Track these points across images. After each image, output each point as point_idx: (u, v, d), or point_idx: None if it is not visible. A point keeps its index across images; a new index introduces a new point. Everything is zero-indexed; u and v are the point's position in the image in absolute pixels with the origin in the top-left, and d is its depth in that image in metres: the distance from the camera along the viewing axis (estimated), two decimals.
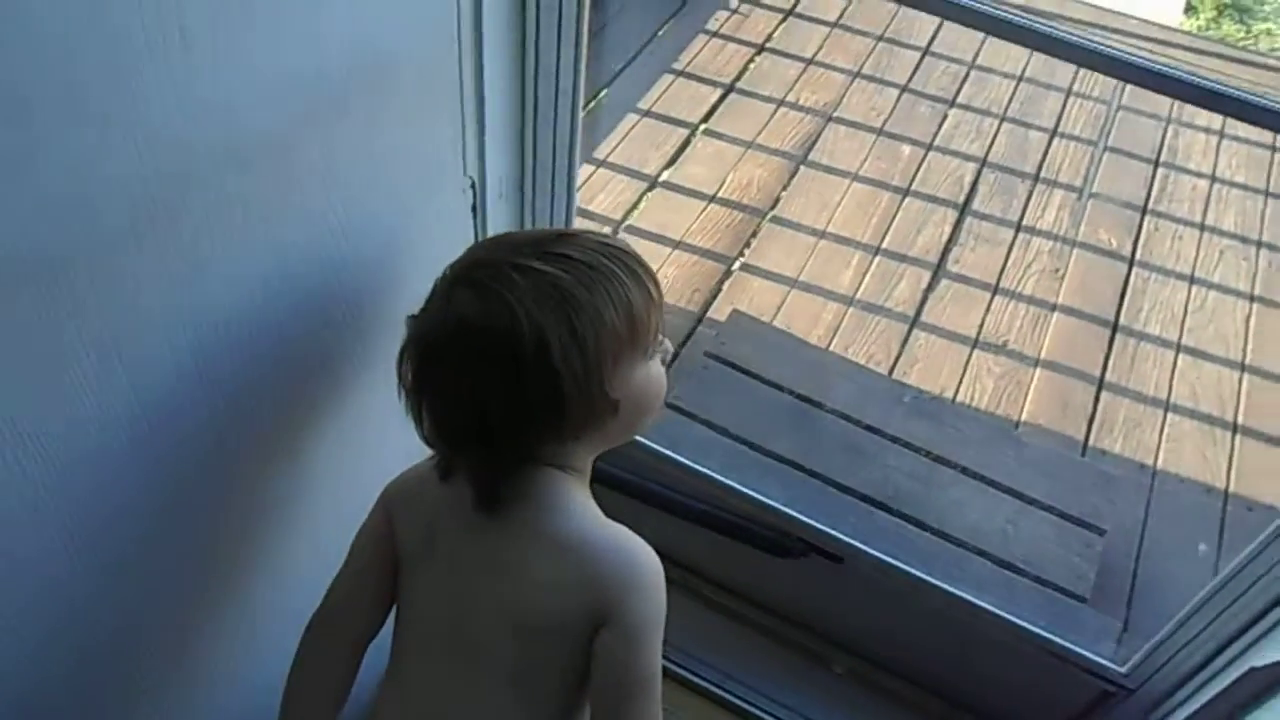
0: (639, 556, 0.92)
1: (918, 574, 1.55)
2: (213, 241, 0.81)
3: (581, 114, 1.27)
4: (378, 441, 1.16)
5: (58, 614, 0.83)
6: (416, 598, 0.96)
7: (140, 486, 0.85)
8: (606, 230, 2.84)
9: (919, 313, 2.76)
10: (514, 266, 0.85)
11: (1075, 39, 1.31)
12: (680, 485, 1.64)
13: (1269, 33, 4.42)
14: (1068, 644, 1.50)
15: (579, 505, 0.93)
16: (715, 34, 3.54)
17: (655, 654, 0.91)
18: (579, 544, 0.91)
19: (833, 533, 1.57)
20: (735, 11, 3.63)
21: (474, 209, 1.13)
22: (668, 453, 1.63)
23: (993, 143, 3.27)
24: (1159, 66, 1.18)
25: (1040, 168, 3.22)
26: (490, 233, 1.29)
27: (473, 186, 1.11)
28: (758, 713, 1.63)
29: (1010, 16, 1.32)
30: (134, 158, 0.70)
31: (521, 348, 0.83)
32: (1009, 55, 3.59)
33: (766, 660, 1.77)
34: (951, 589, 1.53)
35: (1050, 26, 1.27)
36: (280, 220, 0.88)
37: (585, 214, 2.88)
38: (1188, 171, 3.24)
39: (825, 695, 1.72)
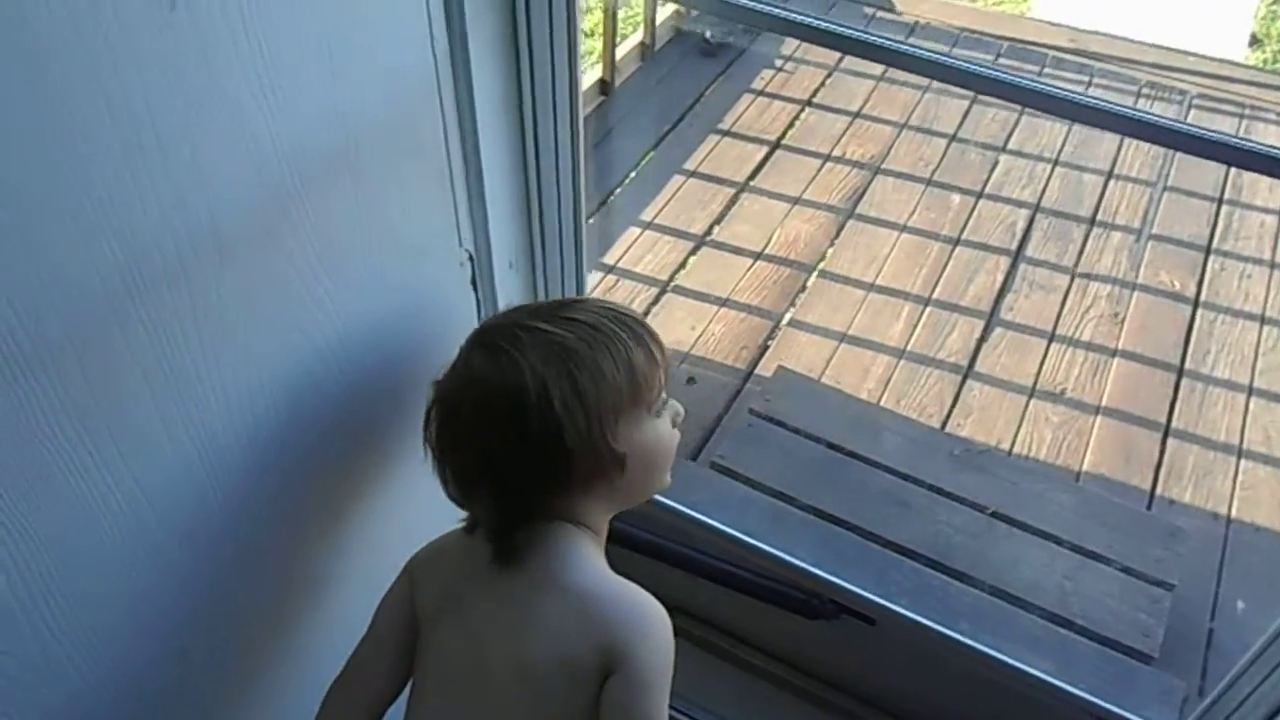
0: (647, 607, 0.94)
1: (951, 634, 1.50)
2: (199, 331, 0.84)
3: (584, 178, 1.30)
4: (389, 514, 1.18)
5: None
6: (433, 647, 0.99)
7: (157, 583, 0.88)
8: (651, 290, 2.86)
9: (972, 363, 2.71)
10: (523, 328, 0.93)
11: (1111, 107, 1.25)
12: (708, 547, 1.63)
13: None
14: (1114, 708, 1.43)
15: (588, 559, 0.97)
16: (761, 93, 3.58)
17: (662, 703, 0.92)
18: (588, 594, 0.94)
19: (864, 594, 1.53)
20: (780, 69, 3.66)
21: (473, 282, 1.15)
22: (694, 514, 1.62)
23: (1045, 187, 3.22)
24: (1202, 132, 1.12)
25: (1096, 211, 3.16)
26: (501, 303, 1.31)
27: (471, 259, 1.14)
28: None
29: (1046, 88, 1.26)
30: (109, 255, 0.74)
31: (525, 398, 0.89)
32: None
33: None
34: (984, 649, 1.48)
35: (1086, 98, 1.22)
36: (267, 307, 0.91)
37: (631, 275, 2.92)
38: (1254, 208, 3.14)
39: None
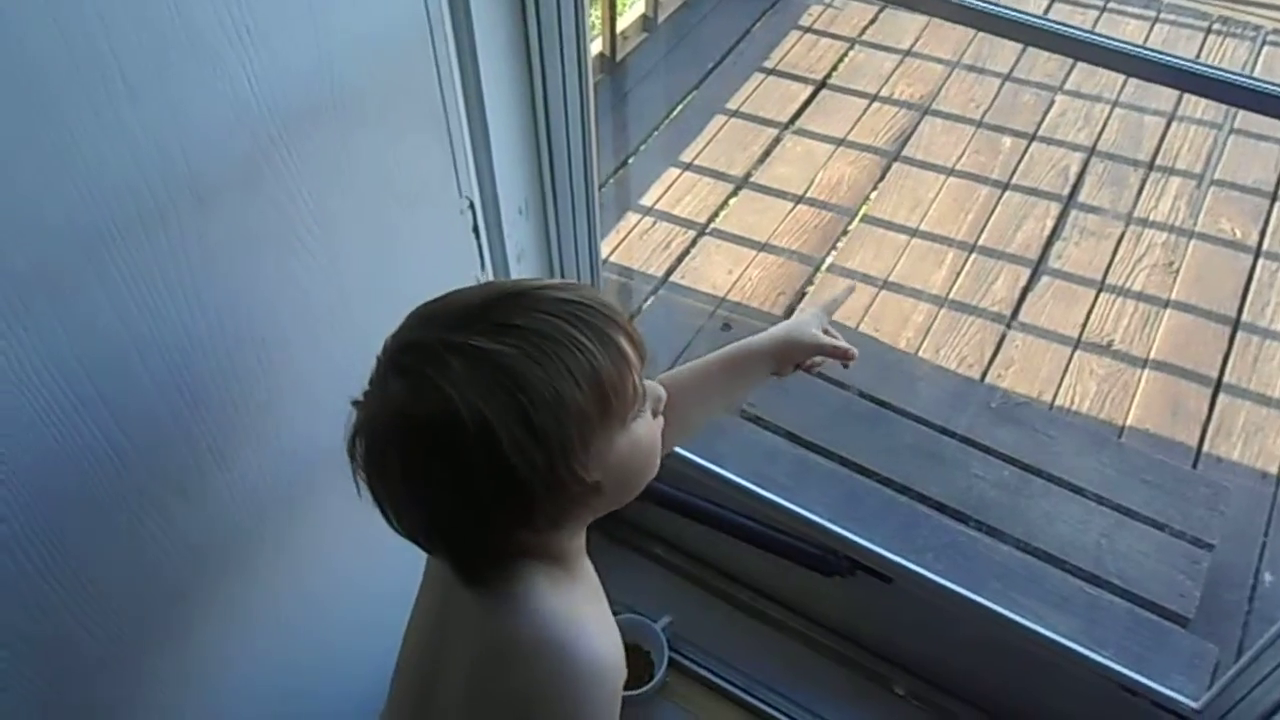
0: (574, 666, 0.80)
1: (968, 594, 1.47)
2: (181, 279, 0.83)
3: (595, 133, 1.26)
4: None
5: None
6: (409, 633, 0.95)
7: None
8: (689, 232, 2.81)
9: (1016, 312, 2.63)
10: (449, 346, 0.73)
11: (1165, 59, 1.15)
12: (726, 500, 1.61)
13: None
14: (1139, 676, 1.39)
15: (542, 600, 0.82)
16: (809, 29, 3.46)
17: None
18: (521, 640, 0.81)
19: (882, 551, 1.51)
20: (830, 5, 3.54)
21: (475, 230, 1.12)
22: (713, 468, 1.60)
23: (1103, 130, 3.09)
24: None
25: (1156, 154, 3.02)
26: (511, 251, 1.29)
27: (471, 207, 1.11)
28: None
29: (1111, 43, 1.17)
30: (77, 195, 0.73)
31: (465, 442, 0.72)
32: (1124, 33, 3.39)
33: (826, 679, 1.72)
34: (1001, 609, 1.45)
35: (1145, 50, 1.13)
36: (254, 256, 0.89)
37: (668, 217, 2.87)
38: None
39: (885, 716, 1.65)
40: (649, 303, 2.68)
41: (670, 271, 2.74)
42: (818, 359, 1.12)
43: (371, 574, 1.10)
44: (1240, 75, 1.00)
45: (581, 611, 0.84)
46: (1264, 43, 3.34)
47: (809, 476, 2.08)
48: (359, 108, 0.92)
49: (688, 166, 3.02)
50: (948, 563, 1.85)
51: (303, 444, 1.04)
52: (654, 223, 2.86)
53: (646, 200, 2.92)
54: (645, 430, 0.83)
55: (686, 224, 2.86)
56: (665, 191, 2.94)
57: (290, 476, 1.05)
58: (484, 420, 0.71)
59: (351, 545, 1.14)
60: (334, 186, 0.94)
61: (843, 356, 1.11)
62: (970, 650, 1.57)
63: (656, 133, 3.14)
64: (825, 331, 1.13)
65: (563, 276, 1.41)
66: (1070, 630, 1.62)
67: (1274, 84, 1.06)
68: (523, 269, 1.33)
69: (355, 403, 0.79)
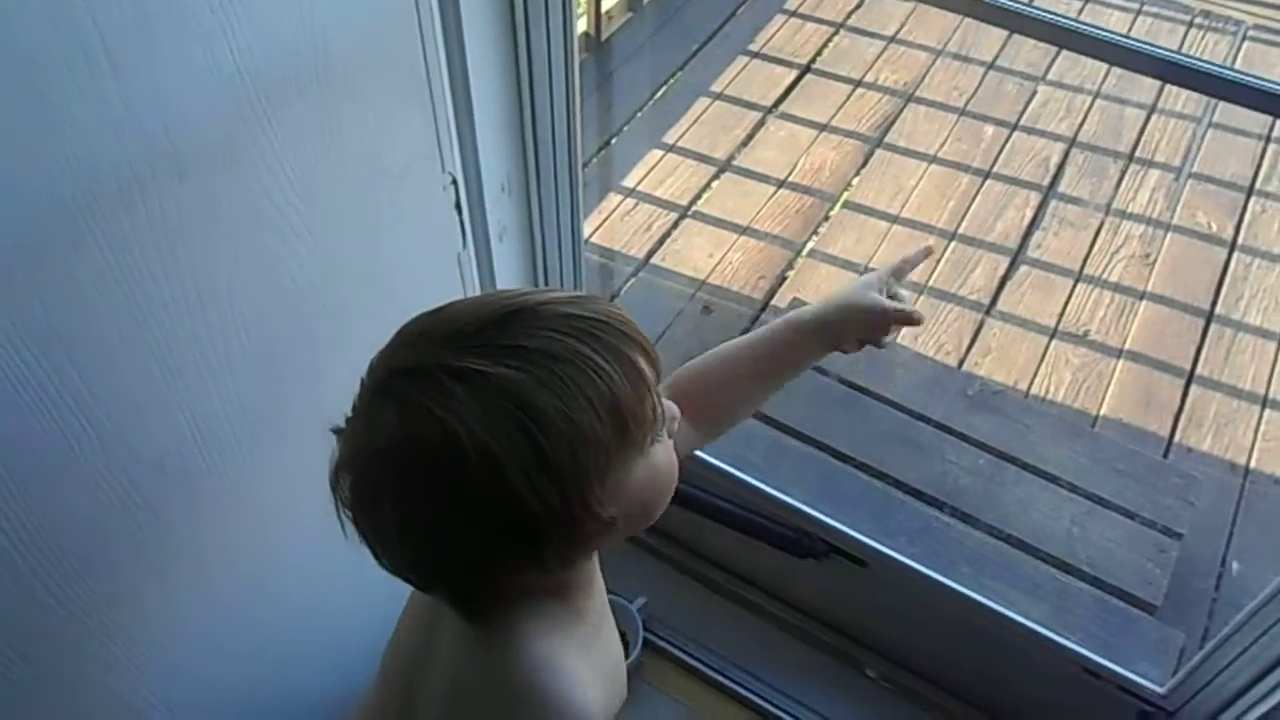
0: (548, 716, 0.75)
1: (941, 579, 1.49)
2: (161, 253, 0.82)
3: (579, 112, 1.25)
4: None
5: None
6: (401, 622, 0.91)
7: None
8: (671, 214, 2.81)
9: (994, 300, 2.65)
10: (448, 371, 0.65)
11: (1148, 49, 1.15)
12: (702, 482, 1.61)
13: None
14: (1106, 661, 1.41)
15: (529, 645, 0.76)
16: (794, 13, 3.46)
17: None
18: (502, 684, 0.77)
19: (857, 535, 1.52)
20: None
21: (457, 206, 1.12)
22: None
23: (1084, 120, 3.11)
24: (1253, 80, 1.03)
25: (1136, 146, 3.04)
26: (492, 232, 1.28)
27: (454, 183, 1.10)
28: (779, 713, 1.60)
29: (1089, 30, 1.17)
30: (60, 172, 0.72)
31: (470, 480, 0.65)
32: (1108, 24, 3.40)
33: (799, 661, 1.74)
34: (973, 594, 1.47)
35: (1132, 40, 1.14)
36: (235, 230, 0.89)
37: (650, 199, 2.86)
38: None
39: (856, 698, 1.67)
40: (630, 284, 2.68)
41: (651, 253, 2.74)
42: (885, 333, 0.99)
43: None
44: (1221, 67, 1.01)
45: (573, 661, 0.77)
46: (1244, 37, 3.36)
47: (785, 460, 2.09)
48: (343, 80, 0.91)
49: (671, 148, 3.02)
50: (921, 547, 1.87)
51: (280, 415, 1.04)
52: (636, 204, 2.86)
53: (629, 181, 2.91)
54: (664, 455, 0.76)
55: (668, 206, 2.86)
56: (648, 173, 2.94)
57: (270, 446, 1.05)
58: (491, 455, 0.64)
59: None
60: (316, 160, 0.93)
61: (911, 322, 0.98)
62: (941, 634, 1.59)
63: (640, 113, 3.13)
64: (891, 296, 0.99)
65: (544, 252, 1.40)
66: (1040, 616, 1.65)
67: (1253, 77, 1.07)
68: (505, 248, 1.33)
69: (337, 431, 0.71)
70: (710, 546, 1.76)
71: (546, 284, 1.44)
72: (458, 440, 0.64)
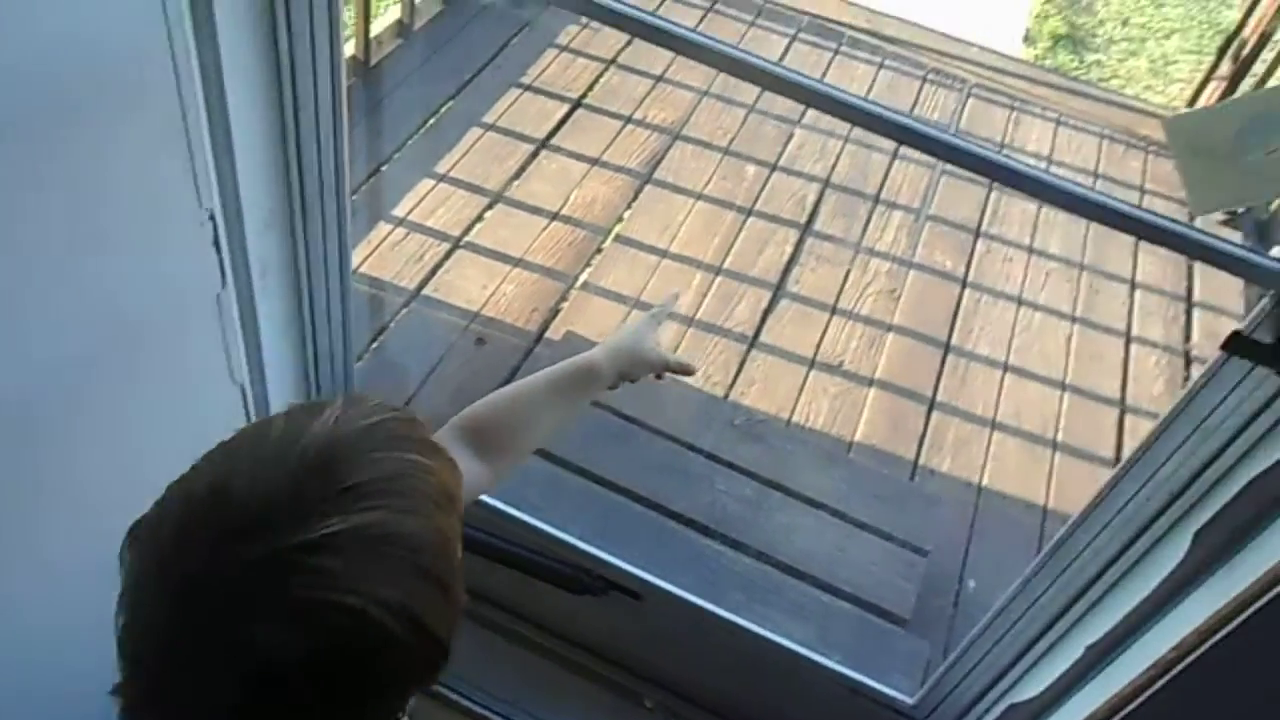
0: None
1: (712, 608, 1.53)
2: None
3: (347, 140, 1.21)
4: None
5: None
6: None
7: None
8: (443, 245, 2.76)
9: (758, 333, 2.77)
10: (307, 547, 0.57)
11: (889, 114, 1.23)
12: (478, 522, 1.58)
13: (1099, 64, 4.62)
14: (860, 676, 1.50)
15: None
16: (565, 48, 3.50)
17: None
18: None
19: (631, 569, 1.54)
20: (586, 25, 3.59)
21: (215, 243, 1.05)
22: None
23: (836, 163, 3.32)
24: (988, 153, 1.13)
25: (881, 189, 3.28)
26: (254, 269, 1.21)
27: (212, 219, 1.03)
28: None
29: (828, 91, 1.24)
30: None
31: (386, 643, 0.59)
32: (854, 75, 3.66)
33: (580, 697, 1.73)
34: (742, 622, 1.52)
35: (866, 103, 1.21)
36: None
37: (421, 229, 2.81)
38: (1018, 195, 3.34)
39: None
40: (401, 315, 2.61)
41: (423, 284, 2.68)
42: (660, 378, 1.12)
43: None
44: (944, 131, 1.09)
45: None
46: (969, 95, 3.70)
47: (563, 496, 2.09)
48: (83, 103, 0.83)
49: (442, 178, 2.97)
50: (694, 576, 1.91)
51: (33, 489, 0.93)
52: (407, 234, 2.79)
53: (399, 210, 2.84)
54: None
55: (440, 236, 2.81)
56: (419, 202, 2.88)
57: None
58: (404, 608, 0.59)
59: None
60: (56, 190, 0.84)
61: (686, 372, 1.13)
62: (715, 662, 1.63)
63: (411, 142, 3.06)
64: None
65: (310, 288, 1.34)
66: (806, 637, 1.72)
67: (972, 141, 1.17)
68: (267, 285, 1.25)
69: (117, 692, 0.58)
70: (490, 588, 1.72)
71: (312, 321, 1.37)
72: (365, 615, 0.57)
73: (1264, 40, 3.64)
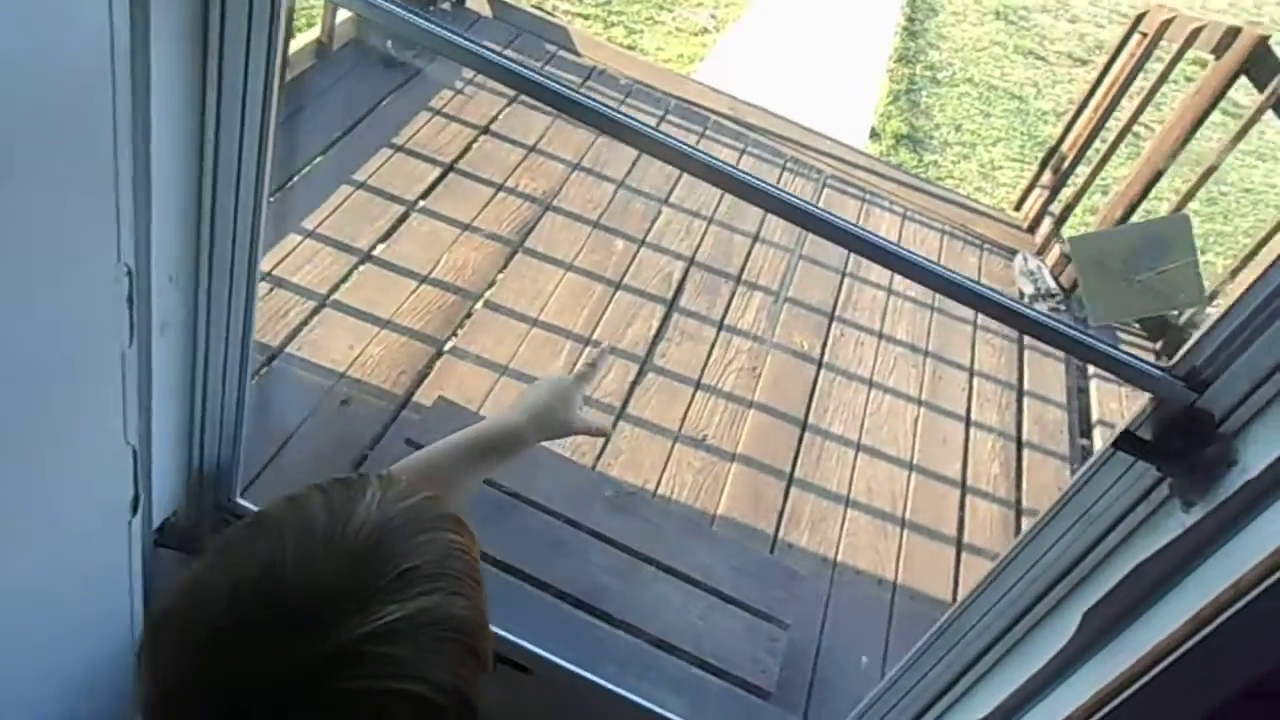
0: None
1: (601, 682, 1.53)
2: None
3: (266, 199, 1.18)
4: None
5: None
6: None
7: None
8: (309, 303, 2.69)
9: (625, 404, 2.81)
10: (370, 637, 0.57)
11: (773, 190, 1.30)
12: None
13: (936, 164, 4.98)
14: None
15: None
16: (439, 112, 3.51)
17: None
18: None
19: (520, 642, 1.52)
20: (460, 92, 3.62)
21: (130, 299, 1.00)
22: None
23: (700, 242, 3.44)
24: (836, 219, 1.20)
25: (743, 270, 3.41)
26: (155, 324, 1.16)
27: (129, 274, 0.99)
28: None
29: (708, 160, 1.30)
30: None
31: None
32: (721, 158, 3.80)
33: None
34: (633, 697, 1.52)
35: (747, 175, 1.28)
36: None
37: (287, 285, 2.73)
38: (869, 283, 3.55)
39: None
40: (263, 373, 2.52)
41: (286, 343, 2.60)
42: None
43: None
44: (812, 205, 1.17)
45: None
46: (824, 185, 3.92)
47: None
48: (18, 151, 0.79)
49: (310, 234, 2.90)
50: (572, 650, 1.90)
51: None
52: (271, 289, 2.70)
53: (264, 264, 2.72)
54: None
55: (306, 294, 2.74)
56: (285, 257, 2.80)
57: None
58: (454, 688, 0.60)
59: None
60: None
61: (601, 434, 1.15)
62: None
63: (276, 197, 2.98)
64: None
65: (208, 348, 1.29)
66: (681, 710, 1.73)
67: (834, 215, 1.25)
68: (164, 343, 1.20)
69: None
70: None
71: (205, 383, 1.32)
72: (425, 701, 0.58)
73: (1080, 155, 4.02)
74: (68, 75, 0.84)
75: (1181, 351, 0.95)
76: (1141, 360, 1.00)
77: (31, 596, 1.10)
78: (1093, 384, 3.49)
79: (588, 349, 2.91)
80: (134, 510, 1.22)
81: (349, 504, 0.62)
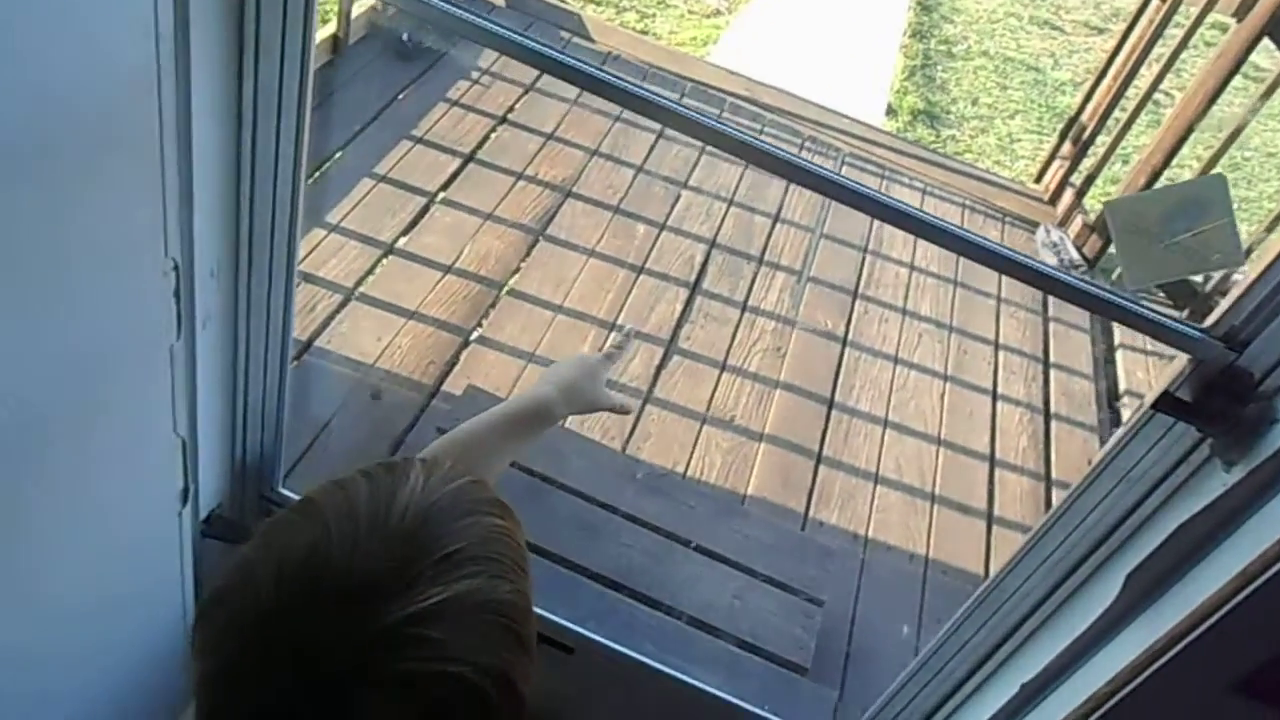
0: None
1: (646, 660, 1.54)
2: None
3: (303, 193, 1.20)
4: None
5: None
6: None
7: None
8: (336, 296, 2.71)
9: (652, 388, 2.82)
10: (413, 619, 0.57)
11: (790, 157, 1.31)
12: None
13: (954, 139, 4.96)
14: None
15: None
16: (456, 103, 3.52)
17: None
18: None
19: (562, 622, 1.54)
20: (477, 82, 3.63)
21: (176, 293, 1.02)
22: None
23: (721, 225, 3.44)
24: (863, 188, 1.20)
25: (764, 250, 3.41)
26: (197, 318, 1.18)
27: (175, 269, 1.01)
28: None
29: (724, 128, 1.30)
30: None
31: (485, 710, 0.60)
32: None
33: None
34: (677, 674, 1.54)
35: (765, 144, 1.28)
36: None
37: (314, 279, 2.75)
38: (890, 260, 3.54)
39: None
40: (293, 367, 2.54)
41: (315, 336, 2.62)
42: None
43: None
44: (870, 190, 1.17)
45: None
46: (844, 163, 3.91)
47: None
48: (70, 154, 0.81)
49: (334, 228, 2.93)
50: (611, 631, 1.92)
51: None
52: (299, 283, 2.72)
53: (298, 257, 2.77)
54: None
55: (333, 287, 2.76)
56: (310, 253, 2.83)
57: None
58: (498, 671, 0.60)
59: None
60: (30, 243, 0.81)
61: (626, 411, 1.19)
62: (647, 713, 1.64)
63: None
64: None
65: (249, 338, 1.31)
66: (716, 685, 1.75)
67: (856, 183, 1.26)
68: (206, 336, 1.22)
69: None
70: None
71: (246, 375, 1.34)
72: (469, 682, 0.58)
73: (1100, 125, 3.99)
74: (116, 75, 0.85)
75: (1219, 311, 0.96)
76: (1179, 320, 1.00)
77: (86, 593, 1.13)
78: (1119, 354, 3.47)
79: (612, 333, 2.92)
80: (184, 501, 1.24)
81: (393, 487, 0.63)
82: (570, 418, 2.62)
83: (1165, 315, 1.02)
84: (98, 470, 0.98)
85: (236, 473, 1.45)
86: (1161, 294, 3.69)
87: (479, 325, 2.83)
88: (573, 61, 1.18)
